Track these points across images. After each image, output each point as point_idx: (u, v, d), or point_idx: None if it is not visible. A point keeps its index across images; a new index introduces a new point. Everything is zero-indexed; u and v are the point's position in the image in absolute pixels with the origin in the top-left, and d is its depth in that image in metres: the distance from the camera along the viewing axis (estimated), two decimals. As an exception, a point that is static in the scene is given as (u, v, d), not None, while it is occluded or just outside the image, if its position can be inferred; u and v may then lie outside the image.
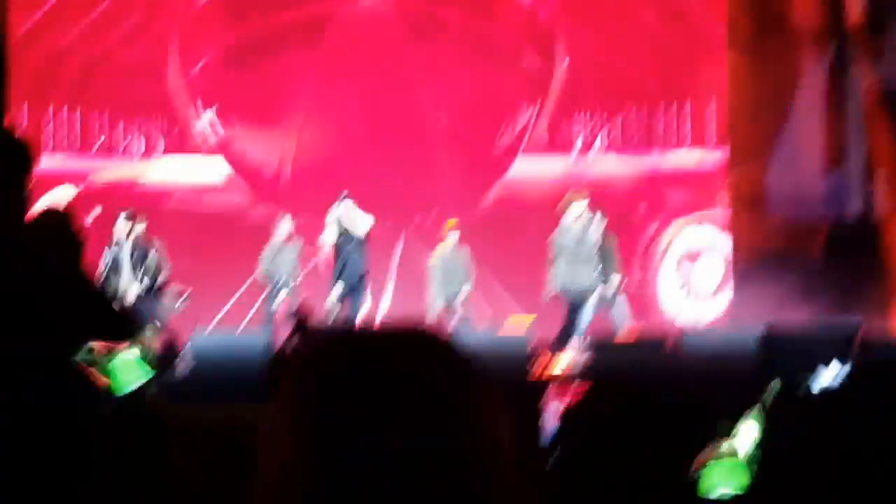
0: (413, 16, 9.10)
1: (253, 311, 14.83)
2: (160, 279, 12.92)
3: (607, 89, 13.50)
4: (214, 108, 10.53)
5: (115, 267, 12.78)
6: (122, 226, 12.70)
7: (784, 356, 12.25)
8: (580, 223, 12.85)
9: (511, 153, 11.21)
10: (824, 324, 13.50)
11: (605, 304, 13.57)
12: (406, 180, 10.93)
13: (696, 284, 14.34)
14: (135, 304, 12.51)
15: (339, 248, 10.63)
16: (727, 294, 15.03)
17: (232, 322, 14.92)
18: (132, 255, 12.70)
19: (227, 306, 14.46)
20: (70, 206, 13.52)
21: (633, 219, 12.80)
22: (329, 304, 11.63)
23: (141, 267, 12.76)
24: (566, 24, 13.16)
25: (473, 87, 10.38)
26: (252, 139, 10.36)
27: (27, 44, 13.21)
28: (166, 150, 12.40)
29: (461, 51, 10.16)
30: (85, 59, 12.87)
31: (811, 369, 11.48)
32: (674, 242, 13.09)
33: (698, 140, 14.66)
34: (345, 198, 10.22)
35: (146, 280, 12.88)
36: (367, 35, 8.91)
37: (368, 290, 11.04)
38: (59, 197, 13.42)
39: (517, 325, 13.67)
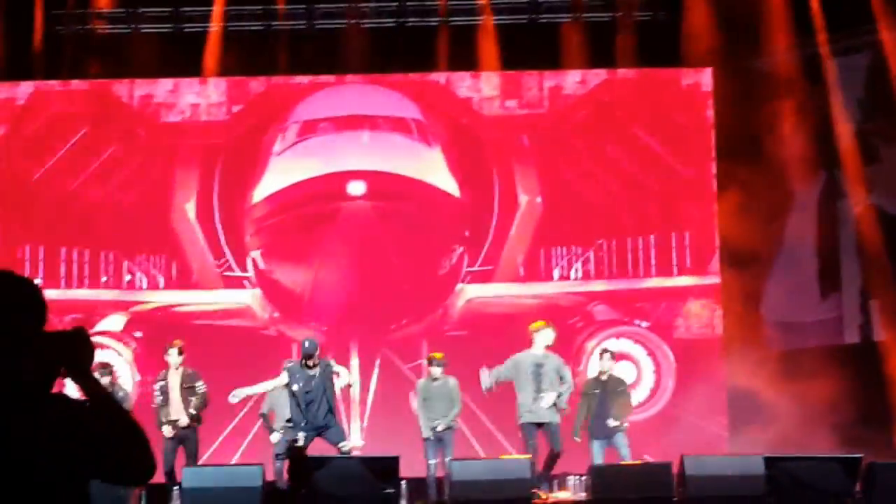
0: (381, 209, 14.40)
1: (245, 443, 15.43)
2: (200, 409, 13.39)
3: (582, 225, 16.05)
4: (259, 250, 15.02)
5: (165, 397, 13.29)
6: (173, 358, 13.26)
7: (789, 484, 12.08)
8: (542, 355, 13.26)
9: (450, 282, 15.28)
10: (824, 455, 13.29)
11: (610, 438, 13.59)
12: (382, 301, 15.10)
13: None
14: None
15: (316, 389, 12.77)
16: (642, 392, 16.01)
17: (229, 449, 15.46)
18: (181, 386, 13.25)
19: (222, 437, 15.44)
20: (123, 331, 15.01)
21: (570, 331, 15.36)
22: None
23: (190, 397, 13.27)
24: (543, 165, 16.15)
25: (420, 244, 15.15)
26: (284, 274, 14.88)
27: (39, 190, 15.91)
28: (166, 286, 15.64)
29: (411, 224, 15.05)
30: (88, 204, 15.88)
31: (817, 499, 11.34)
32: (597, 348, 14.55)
33: (665, 270, 16.22)
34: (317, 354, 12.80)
35: (192, 410, 13.29)
36: (356, 217, 14.19)
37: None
38: (113, 323, 15.10)
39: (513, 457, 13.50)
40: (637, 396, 15.68)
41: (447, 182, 14.62)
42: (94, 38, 17.13)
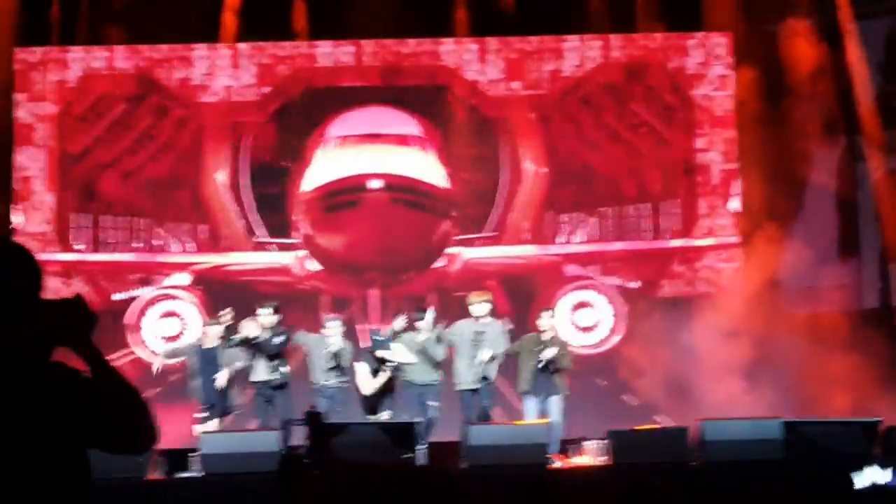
0: (392, 197, 17.65)
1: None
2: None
3: (584, 193, 18.46)
4: (307, 222, 18.41)
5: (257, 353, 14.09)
6: (266, 319, 14.06)
7: (807, 448, 12.08)
8: (481, 322, 14.03)
9: (442, 245, 18.56)
10: (843, 419, 13.29)
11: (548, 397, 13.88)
12: (393, 259, 18.33)
13: (579, 322, 17.56)
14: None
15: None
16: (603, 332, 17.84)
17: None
18: (269, 347, 14.00)
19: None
20: (189, 286, 17.56)
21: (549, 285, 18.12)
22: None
23: (276, 359, 14.00)
24: (549, 135, 18.52)
25: (419, 221, 18.33)
26: (324, 239, 18.41)
27: (79, 161, 18.08)
28: (198, 250, 18.59)
29: (412, 207, 18.11)
30: (122, 173, 18.35)
31: (835, 463, 11.31)
32: (566, 297, 17.88)
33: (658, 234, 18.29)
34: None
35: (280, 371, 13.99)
36: (375, 203, 17.64)
37: None
38: (178, 280, 17.75)
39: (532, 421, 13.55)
40: (597, 336, 17.79)
41: (438, 178, 18.75)
42: (110, 3, 17.16)
